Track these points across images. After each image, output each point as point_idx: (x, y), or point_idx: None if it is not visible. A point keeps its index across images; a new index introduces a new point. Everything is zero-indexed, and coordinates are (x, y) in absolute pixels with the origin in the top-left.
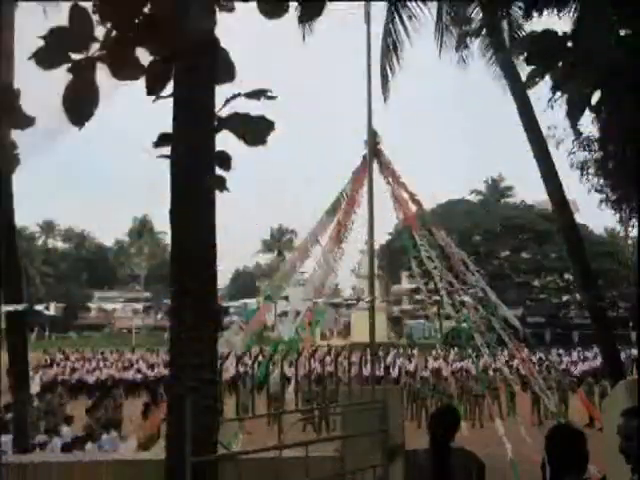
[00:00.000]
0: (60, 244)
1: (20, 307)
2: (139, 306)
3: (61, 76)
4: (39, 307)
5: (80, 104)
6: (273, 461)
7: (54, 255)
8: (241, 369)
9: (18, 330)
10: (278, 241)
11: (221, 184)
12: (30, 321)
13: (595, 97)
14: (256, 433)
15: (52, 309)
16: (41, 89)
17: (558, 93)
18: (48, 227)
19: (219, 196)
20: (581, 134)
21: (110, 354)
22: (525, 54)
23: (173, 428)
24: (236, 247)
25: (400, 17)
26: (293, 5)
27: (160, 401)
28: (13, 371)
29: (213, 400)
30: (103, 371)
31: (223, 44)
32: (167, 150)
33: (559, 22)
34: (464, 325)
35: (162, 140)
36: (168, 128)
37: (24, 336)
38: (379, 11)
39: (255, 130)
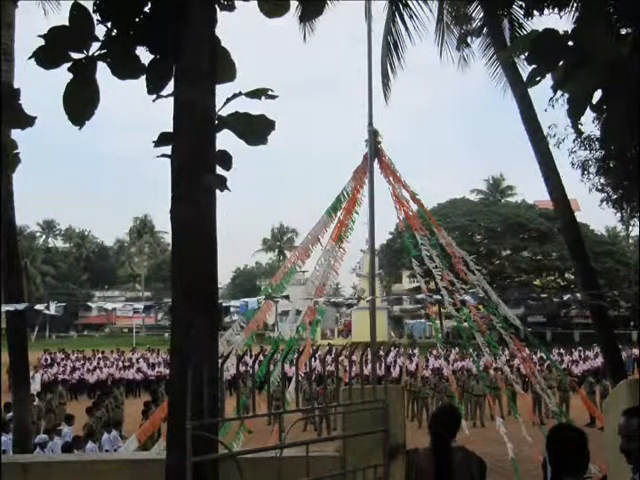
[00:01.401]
0: (60, 244)
1: (20, 306)
2: (140, 305)
3: (61, 76)
4: (39, 306)
5: (80, 104)
6: (273, 460)
7: (55, 254)
8: (242, 368)
9: (18, 329)
10: (279, 240)
11: (222, 184)
12: (30, 320)
13: (596, 96)
14: (256, 432)
15: (52, 308)
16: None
17: (559, 92)
18: (48, 226)
19: (219, 195)
20: (582, 133)
21: (110, 353)
22: (526, 53)
23: (174, 427)
24: (237, 246)
25: (401, 16)
26: (294, 4)
27: (161, 400)
28: (13, 370)
29: (214, 399)
30: (103, 370)
31: (223, 44)
32: (167, 150)
33: (560, 21)
34: (465, 324)
35: (162, 140)
36: (168, 127)
37: (24, 335)
38: (380, 10)
39: (256, 129)
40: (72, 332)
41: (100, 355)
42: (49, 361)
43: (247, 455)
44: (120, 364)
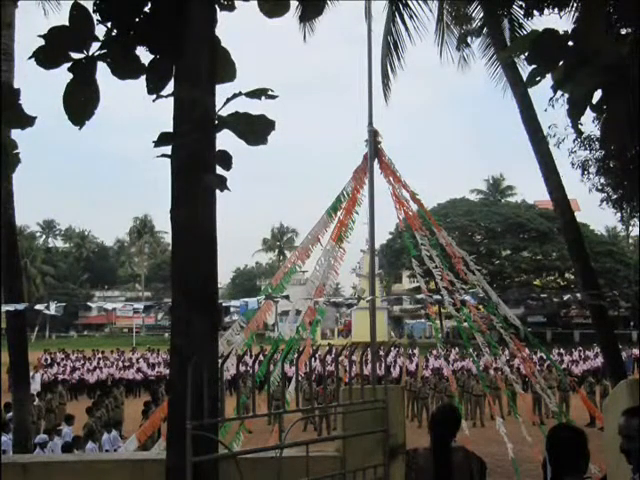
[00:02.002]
0: (60, 244)
1: (20, 307)
2: (140, 305)
3: (61, 76)
4: (39, 306)
5: (80, 104)
6: (273, 461)
7: (54, 254)
8: (242, 368)
9: (18, 329)
10: (279, 240)
11: (221, 183)
12: (30, 320)
13: (596, 96)
14: (256, 432)
15: (52, 308)
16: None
17: (559, 92)
18: (48, 226)
19: (219, 195)
20: (582, 133)
21: (110, 353)
22: (526, 53)
23: (174, 427)
24: (237, 246)
25: (401, 16)
26: (294, 4)
27: (161, 400)
28: (13, 370)
29: (214, 399)
30: (103, 370)
31: (223, 44)
32: (167, 150)
33: (560, 21)
34: (465, 324)
35: (162, 140)
36: (168, 127)
37: (24, 335)
38: (380, 10)
39: (256, 129)
40: (72, 332)
41: (100, 355)
42: (49, 361)
43: (247, 455)
44: (120, 364)
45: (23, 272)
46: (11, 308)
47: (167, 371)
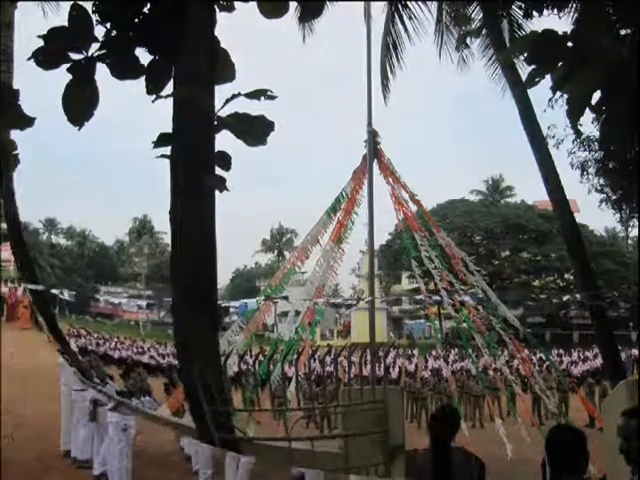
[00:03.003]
0: (63, 241)
1: (39, 288)
2: (142, 303)
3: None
4: (54, 291)
5: (80, 104)
6: (281, 451)
7: (60, 250)
8: (243, 367)
9: (45, 304)
10: (278, 241)
11: (221, 184)
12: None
13: (595, 97)
14: (262, 426)
15: (66, 295)
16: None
17: (558, 93)
18: (50, 224)
19: (219, 196)
20: (581, 134)
21: (124, 339)
22: (525, 54)
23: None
24: (236, 246)
25: (400, 17)
26: (293, 5)
27: (178, 384)
28: (54, 335)
29: (220, 390)
30: (122, 351)
31: (223, 44)
32: (167, 150)
33: (559, 22)
34: (464, 325)
35: (162, 140)
36: (168, 128)
37: (49, 309)
38: (379, 11)
39: (255, 130)
40: (87, 317)
41: (116, 339)
42: (76, 333)
43: (259, 442)
44: (135, 349)
45: (34, 262)
46: (32, 287)
47: (176, 362)
